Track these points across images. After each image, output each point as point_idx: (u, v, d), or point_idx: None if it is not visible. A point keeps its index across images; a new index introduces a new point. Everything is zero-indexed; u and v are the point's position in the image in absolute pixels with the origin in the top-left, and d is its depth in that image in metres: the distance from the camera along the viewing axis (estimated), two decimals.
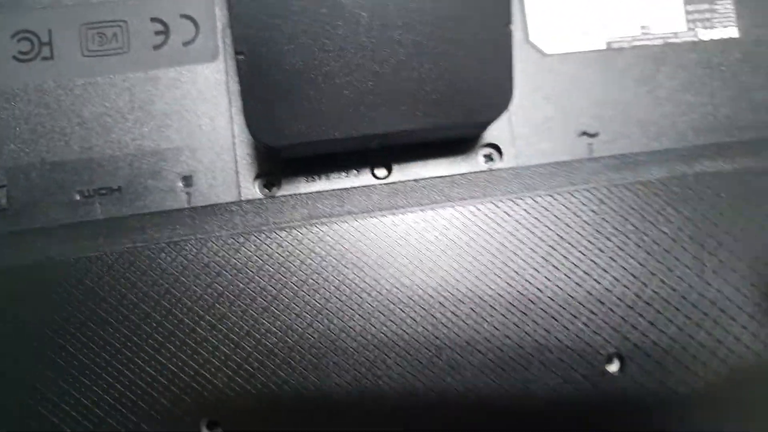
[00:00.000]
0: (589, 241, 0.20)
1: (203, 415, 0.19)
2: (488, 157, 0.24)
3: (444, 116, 0.20)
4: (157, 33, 0.24)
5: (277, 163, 0.23)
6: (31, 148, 0.23)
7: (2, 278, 0.19)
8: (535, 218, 0.20)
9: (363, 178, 0.23)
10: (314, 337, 0.19)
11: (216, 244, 0.19)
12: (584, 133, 0.25)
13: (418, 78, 0.20)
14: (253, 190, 0.23)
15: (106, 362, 0.19)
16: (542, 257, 0.20)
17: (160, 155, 0.23)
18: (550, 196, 0.20)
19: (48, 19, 0.23)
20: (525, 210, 0.20)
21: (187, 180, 0.23)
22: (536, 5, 0.26)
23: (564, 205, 0.21)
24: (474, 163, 0.24)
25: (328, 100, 0.19)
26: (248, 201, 0.21)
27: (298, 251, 0.20)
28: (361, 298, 0.20)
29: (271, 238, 0.20)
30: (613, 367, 0.20)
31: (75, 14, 0.24)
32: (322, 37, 0.19)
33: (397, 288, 0.20)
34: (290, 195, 0.21)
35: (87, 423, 0.19)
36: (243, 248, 0.19)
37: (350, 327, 0.19)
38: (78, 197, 0.23)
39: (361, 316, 0.20)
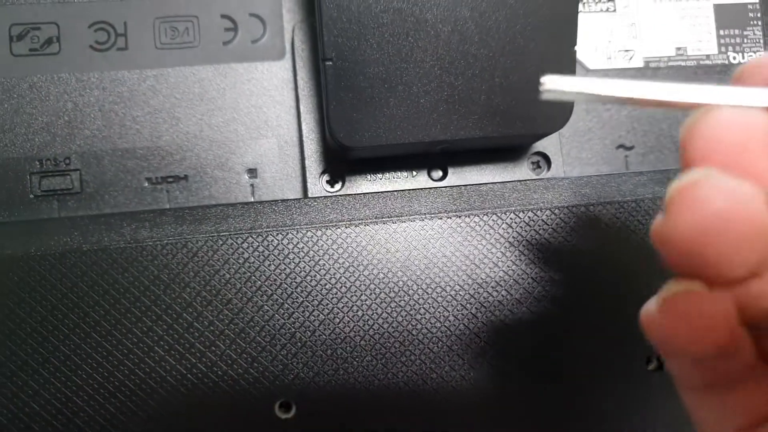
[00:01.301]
0: (635, 250, 0.22)
1: (278, 396, 0.20)
2: (536, 165, 0.26)
3: (509, 127, 0.22)
4: (227, 29, 0.25)
5: (343, 161, 0.24)
6: (104, 135, 0.24)
7: (95, 259, 0.20)
8: (589, 227, 0.22)
9: (420, 179, 0.25)
10: (384, 328, 0.21)
11: (296, 236, 0.21)
12: (621, 146, 0.27)
13: (489, 90, 0.21)
14: (317, 185, 0.24)
15: (190, 344, 0.20)
16: (594, 263, 0.22)
17: (226, 147, 0.25)
18: (602, 205, 0.22)
19: (124, 11, 0.24)
20: (579, 218, 0.22)
21: (252, 172, 0.24)
22: (582, 24, 0.28)
23: (614, 216, 0.22)
24: (523, 169, 0.26)
25: (406, 107, 0.21)
26: (324, 197, 0.22)
27: (370, 246, 0.21)
28: (426, 293, 0.21)
29: (347, 233, 0.21)
30: (652, 366, 0.22)
31: (150, 8, 0.25)
32: (405, 49, 0.20)
33: (459, 285, 0.21)
34: (361, 194, 0.22)
35: (172, 400, 0.20)
36: (321, 241, 0.21)
37: (417, 320, 0.21)
38: (146, 184, 0.24)
39: (427, 311, 0.21)
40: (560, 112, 0.22)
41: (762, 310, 0.13)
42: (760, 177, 0.12)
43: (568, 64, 0.22)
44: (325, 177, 0.24)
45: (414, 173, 0.25)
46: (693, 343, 0.13)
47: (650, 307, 0.13)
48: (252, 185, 0.24)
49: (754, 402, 0.15)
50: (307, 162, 0.24)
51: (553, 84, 0.13)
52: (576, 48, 0.22)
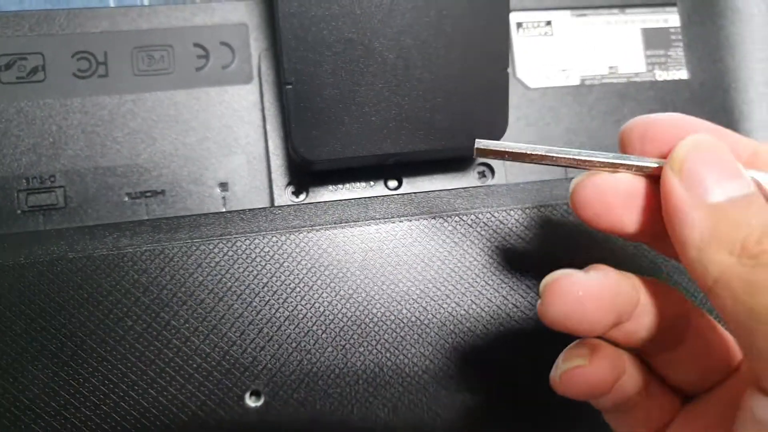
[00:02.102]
0: (565, 246, 0.25)
1: (248, 386, 0.23)
2: (482, 174, 0.29)
3: (451, 140, 0.24)
4: (199, 57, 0.28)
5: (306, 173, 0.27)
6: (87, 154, 0.26)
7: (80, 265, 0.22)
8: (524, 226, 0.25)
9: (377, 188, 0.27)
10: (343, 322, 0.23)
11: (262, 241, 0.23)
12: None
13: (432, 108, 0.24)
14: (283, 196, 0.27)
15: (167, 340, 0.22)
16: (529, 258, 0.25)
17: (200, 163, 0.27)
18: (536, 208, 0.25)
19: (104, 42, 0.27)
20: (516, 219, 0.25)
21: (224, 186, 0.27)
22: (522, 46, 0.31)
23: (549, 216, 0.25)
24: (470, 178, 0.28)
25: (359, 124, 0.23)
26: (288, 205, 0.24)
27: (330, 249, 0.24)
28: (381, 289, 0.24)
29: (308, 237, 0.23)
30: None
31: (128, 38, 0.27)
32: (357, 74, 0.23)
33: (411, 282, 0.24)
34: (322, 202, 0.24)
35: (152, 391, 0.22)
36: (285, 245, 0.23)
37: (373, 314, 0.23)
38: (126, 198, 0.26)
39: (382, 305, 0.23)
40: (496, 126, 0.25)
41: (638, 341, 0.18)
42: (622, 224, 0.17)
43: (501, 84, 0.25)
44: (291, 188, 0.27)
45: (372, 183, 0.27)
46: (588, 397, 0.18)
47: (553, 374, 0.19)
48: (224, 198, 0.27)
49: (652, 415, 0.19)
50: (273, 175, 0.27)
51: (481, 144, 0.18)
52: (508, 69, 0.25)
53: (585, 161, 0.17)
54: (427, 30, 0.23)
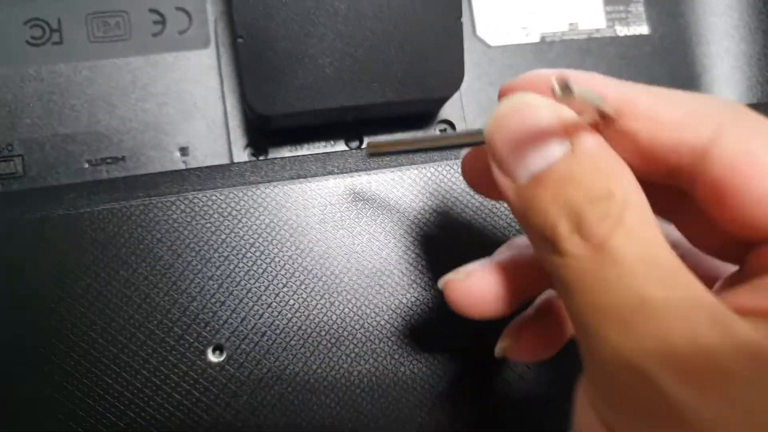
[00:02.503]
0: None
1: (210, 342, 0.23)
2: (443, 132, 0.29)
3: (407, 92, 0.24)
4: (155, 22, 0.28)
5: (265, 134, 0.27)
6: (45, 122, 0.26)
7: (37, 227, 0.22)
8: None
9: (338, 149, 0.27)
10: (303, 275, 0.23)
11: (219, 197, 0.23)
12: None
13: (386, 59, 0.24)
14: (242, 157, 0.27)
15: (127, 297, 0.22)
16: (491, 210, 0.25)
17: (159, 129, 0.27)
18: None
19: (57, 8, 0.27)
20: None
21: (184, 150, 0.27)
22: (482, 4, 0.31)
23: None
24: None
25: (313, 77, 0.23)
26: (245, 162, 0.24)
27: (288, 204, 0.24)
28: (342, 242, 0.24)
29: (266, 192, 0.23)
30: None
31: (82, 4, 0.27)
32: (308, 25, 0.23)
33: (371, 233, 0.24)
34: (280, 157, 0.25)
35: (112, 348, 0.22)
36: (242, 201, 0.23)
37: (334, 266, 0.23)
38: (87, 165, 0.26)
39: (343, 257, 0.24)
40: (452, 77, 0.25)
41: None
42: (492, 190, 0.17)
43: (455, 34, 0.25)
44: (250, 150, 0.27)
45: (332, 143, 0.27)
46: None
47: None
48: (184, 162, 0.27)
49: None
50: (232, 137, 0.27)
51: (372, 141, 0.19)
52: (462, 19, 0.25)
53: (441, 138, 0.18)
54: None
